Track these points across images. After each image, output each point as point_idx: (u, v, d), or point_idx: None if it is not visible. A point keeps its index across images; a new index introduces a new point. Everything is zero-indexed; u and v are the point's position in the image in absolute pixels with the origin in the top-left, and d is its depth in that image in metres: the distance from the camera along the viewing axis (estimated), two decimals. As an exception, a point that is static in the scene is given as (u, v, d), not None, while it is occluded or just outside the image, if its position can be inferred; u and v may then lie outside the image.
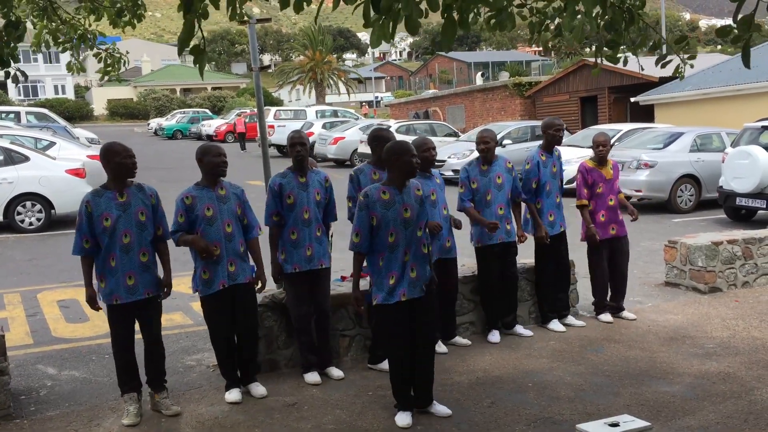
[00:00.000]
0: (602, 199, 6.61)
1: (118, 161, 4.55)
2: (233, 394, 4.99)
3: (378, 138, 5.49)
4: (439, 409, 4.70)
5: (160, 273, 4.79)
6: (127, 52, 6.77)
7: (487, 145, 6.06)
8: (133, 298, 4.62)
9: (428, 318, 4.61)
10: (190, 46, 3.29)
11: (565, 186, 6.89)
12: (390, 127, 23.46)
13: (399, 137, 22.73)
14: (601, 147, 6.57)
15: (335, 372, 5.39)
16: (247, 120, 33.95)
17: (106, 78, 6.91)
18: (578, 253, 6.98)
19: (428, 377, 4.70)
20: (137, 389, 4.78)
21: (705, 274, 7.63)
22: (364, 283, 4.86)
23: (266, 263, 5.16)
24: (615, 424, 3.50)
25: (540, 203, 6.38)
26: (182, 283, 7.95)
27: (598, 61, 4.92)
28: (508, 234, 6.15)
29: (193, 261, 4.91)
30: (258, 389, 5.06)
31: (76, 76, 62.03)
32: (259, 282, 5.06)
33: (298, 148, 5.26)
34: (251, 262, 5.04)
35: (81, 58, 6.65)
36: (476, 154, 6.29)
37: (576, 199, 6.71)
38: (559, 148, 6.58)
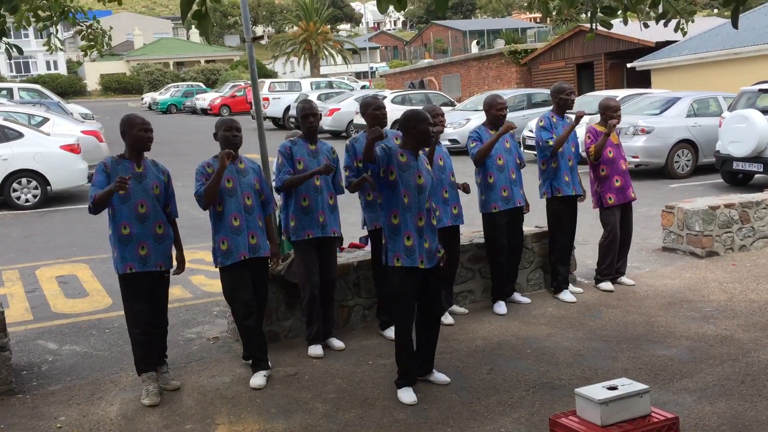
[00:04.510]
0: (615, 164, 6.54)
1: (134, 133, 4.59)
2: (258, 379, 4.80)
3: (363, 106, 5.53)
4: (438, 377, 4.74)
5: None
6: (111, 28, 6.70)
7: (506, 110, 6.09)
8: (145, 268, 4.60)
9: (438, 289, 4.62)
10: (192, 11, 3.20)
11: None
12: (385, 97, 23.42)
13: (395, 108, 22.47)
14: (619, 112, 6.48)
15: (336, 343, 5.41)
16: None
17: (90, 54, 6.85)
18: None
19: (432, 348, 4.72)
20: (154, 367, 4.74)
21: (702, 238, 7.65)
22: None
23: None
24: (613, 388, 3.51)
25: (557, 164, 6.32)
26: (180, 256, 7.97)
27: (593, 26, 4.87)
28: (523, 198, 6.15)
29: (212, 233, 4.87)
30: (256, 380, 4.85)
31: (63, 51, 61.24)
32: (274, 258, 5.06)
33: (311, 119, 5.27)
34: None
35: (70, 34, 6.60)
36: (474, 122, 6.26)
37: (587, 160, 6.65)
38: (572, 117, 6.54)
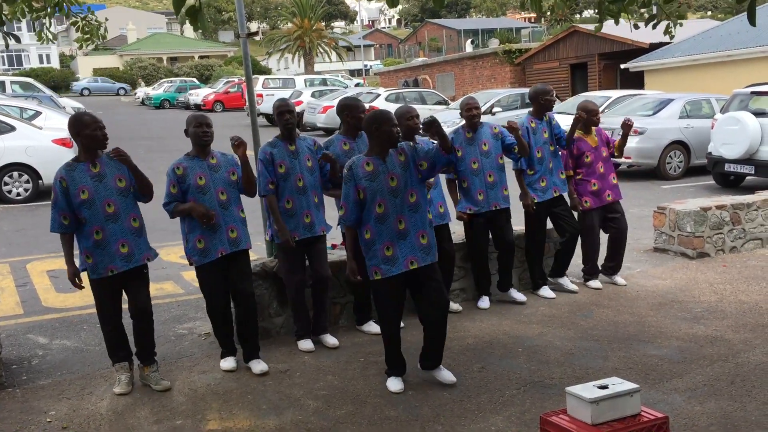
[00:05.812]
0: (592, 168, 6.57)
1: (88, 133, 4.47)
2: (228, 362, 4.99)
3: (346, 107, 5.49)
4: (444, 374, 4.65)
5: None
6: (106, 19, 6.66)
7: (477, 110, 6.03)
8: (131, 265, 4.56)
9: (438, 281, 4.49)
10: (186, 7, 3.18)
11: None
12: (379, 95, 23.42)
13: (389, 106, 22.47)
14: (599, 116, 6.50)
15: (330, 340, 5.39)
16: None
17: (85, 46, 6.80)
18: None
19: (441, 341, 4.60)
20: (128, 358, 4.77)
21: (693, 239, 7.68)
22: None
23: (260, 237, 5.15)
24: (604, 387, 3.53)
25: (534, 170, 6.34)
26: (172, 252, 7.95)
27: (602, 18, 4.86)
28: (505, 200, 6.13)
29: (183, 233, 4.87)
30: (259, 366, 4.93)
31: (55, 45, 61.01)
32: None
33: (287, 116, 5.19)
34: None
35: (63, 28, 6.56)
36: (461, 122, 6.24)
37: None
38: (550, 113, 6.53)
